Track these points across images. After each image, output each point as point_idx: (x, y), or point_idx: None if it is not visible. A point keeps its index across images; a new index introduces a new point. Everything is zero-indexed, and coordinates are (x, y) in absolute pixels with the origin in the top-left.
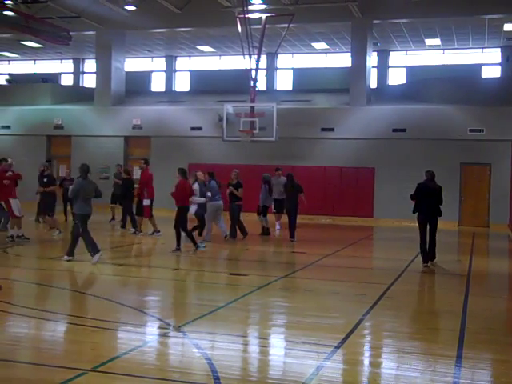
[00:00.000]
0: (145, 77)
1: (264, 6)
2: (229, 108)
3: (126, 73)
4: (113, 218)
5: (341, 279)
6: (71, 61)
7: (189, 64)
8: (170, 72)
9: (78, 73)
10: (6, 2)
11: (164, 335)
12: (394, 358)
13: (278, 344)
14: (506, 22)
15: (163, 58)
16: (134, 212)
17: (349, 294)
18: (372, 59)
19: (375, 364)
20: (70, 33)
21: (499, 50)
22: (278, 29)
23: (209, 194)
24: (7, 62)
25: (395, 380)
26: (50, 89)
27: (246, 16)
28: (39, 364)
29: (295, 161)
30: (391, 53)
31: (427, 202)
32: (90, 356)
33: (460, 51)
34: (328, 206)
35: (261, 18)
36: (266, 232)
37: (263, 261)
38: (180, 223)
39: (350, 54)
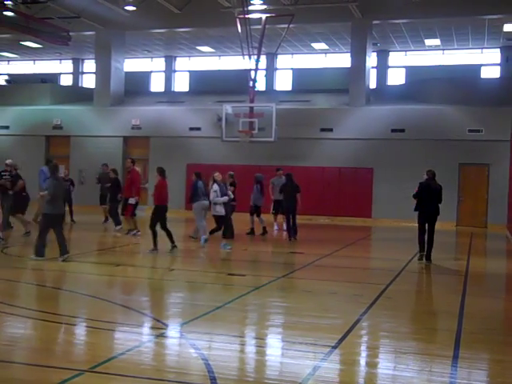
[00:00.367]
0: (144, 77)
1: (264, 7)
2: (228, 108)
3: (126, 73)
4: (106, 219)
5: (338, 279)
6: (70, 61)
7: (188, 64)
8: (169, 72)
9: (77, 73)
10: (5, 3)
11: (161, 335)
12: (391, 359)
13: (275, 344)
14: (506, 23)
15: (163, 59)
16: (120, 212)
17: (346, 294)
18: (371, 59)
19: (372, 364)
20: (70, 33)
21: (499, 50)
22: (277, 29)
23: (229, 193)
24: (6, 62)
25: (392, 380)
26: (49, 89)
27: (246, 16)
28: (36, 364)
29: (294, 161)
30: (391, 53)
31: (428, 201)
32: (86, 356)
33: (459, 51)
34: (326, 207)
35: (260, 18)
36: (263, 231)
37: (261, 261)
38: (160, 223)
39: (349, 55)
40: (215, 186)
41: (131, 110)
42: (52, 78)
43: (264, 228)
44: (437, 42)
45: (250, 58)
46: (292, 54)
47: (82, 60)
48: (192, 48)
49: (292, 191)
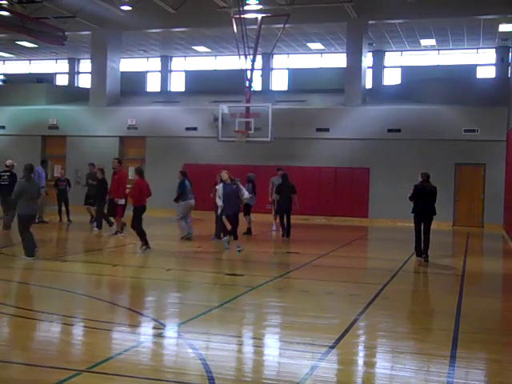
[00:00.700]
0: (140, 77)
1: (260, 7)
2: (224, 108)
3: (122, 73)
4: (93, 218)
5: (335, 279)
6: (66, 61)
7: (184, 64)
8: (165, 72)
9: (73, 73)
10: (1, 2)
11: (158, 335)
12: (388, 358)
13: (272, 344)
14: (501, 23)
15: (158, 59)
16: (106, 212)
17: (343, 294)
18: (367, 59)
19: (370, 364)
20: (66, 33)
21: (494, 50)
22: (273, 29)
23: (246, 192)
24: (2, 62)
25: (389, 380)
26: (44, 89)
27: (242, 16)
28: (33, 365)
29: (290, 161)
30: (386, 53)
31: (423, 202)
32: (84, 356)
33: (455, 52)
34: (323, 207)
35: (256, 18)
36: (248, 232)
37: (258, 261)
38: (133, 220)
39: (345, 55)
40: (220, 187)
41: (127, 110)
42: (48, 78)
43: (249, 229)
44: (432, 42)
45: (245, 58)
46: (288, 54)
47: (78, 60)
48: (188, 48)
49: (287, 191)
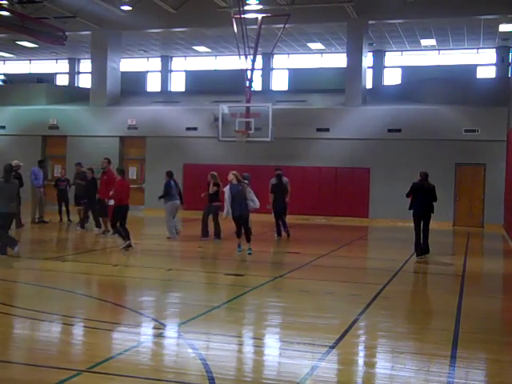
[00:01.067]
0: (140, 77)
1: (260, 7)
2: (224, 108)
3: (122, 73)
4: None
5: (335, 279)
6: (67, 61)
7: (184, 64)
8: (165, 72)
9: (73, 73)
10: (1, 2)
11: (159, 335)
12: (388, 358)
13: (272, 344)
14: (501, 23)
15: (159, 59)
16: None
17: (343, 294)
18: (367, 59)
19: (370, 364)
20: (66, 33)
21: (494, 50)
22: (273, 29)
23: (254, 200)
24: (2, 62)
25: (390, 380)
26: (45, 89)
27: (242, 16)
28: (34, 365)
29: (290, 161)
30: (387, 53)
31: (421, 200)
32: (84, 356)
33: (455, 52)
34: (323, 207)
35: (257, 18)
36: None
37: (258, 261)
38: (120, 222)
39: (345, 55)
40: (227, 188)
41: (127, 110)
42: (48, 78)
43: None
44: (432, 42)
45: (246, 58)
46: (288, 53)
47: (78, 60)
48: (188, 48)
49: (281, 191)
